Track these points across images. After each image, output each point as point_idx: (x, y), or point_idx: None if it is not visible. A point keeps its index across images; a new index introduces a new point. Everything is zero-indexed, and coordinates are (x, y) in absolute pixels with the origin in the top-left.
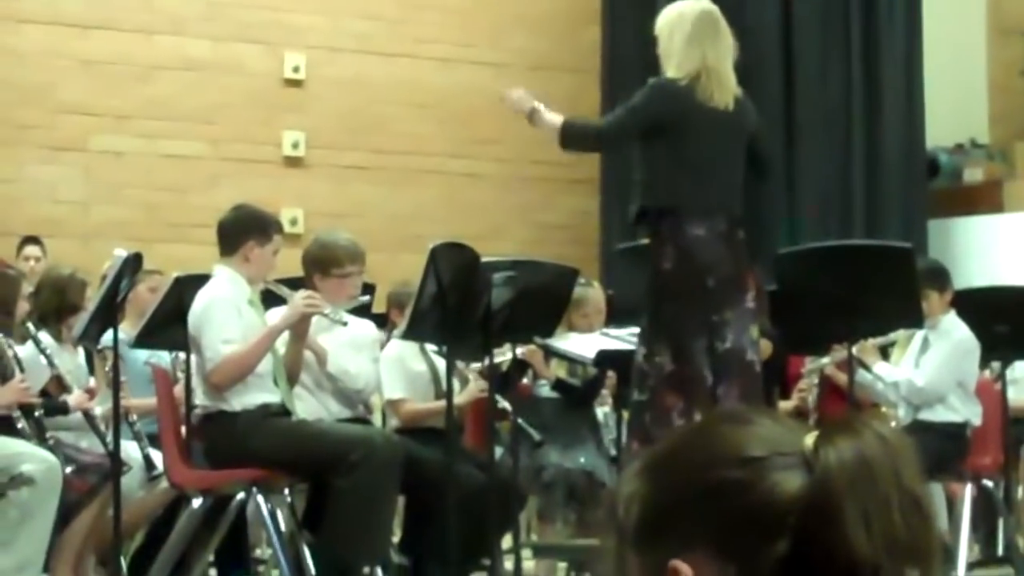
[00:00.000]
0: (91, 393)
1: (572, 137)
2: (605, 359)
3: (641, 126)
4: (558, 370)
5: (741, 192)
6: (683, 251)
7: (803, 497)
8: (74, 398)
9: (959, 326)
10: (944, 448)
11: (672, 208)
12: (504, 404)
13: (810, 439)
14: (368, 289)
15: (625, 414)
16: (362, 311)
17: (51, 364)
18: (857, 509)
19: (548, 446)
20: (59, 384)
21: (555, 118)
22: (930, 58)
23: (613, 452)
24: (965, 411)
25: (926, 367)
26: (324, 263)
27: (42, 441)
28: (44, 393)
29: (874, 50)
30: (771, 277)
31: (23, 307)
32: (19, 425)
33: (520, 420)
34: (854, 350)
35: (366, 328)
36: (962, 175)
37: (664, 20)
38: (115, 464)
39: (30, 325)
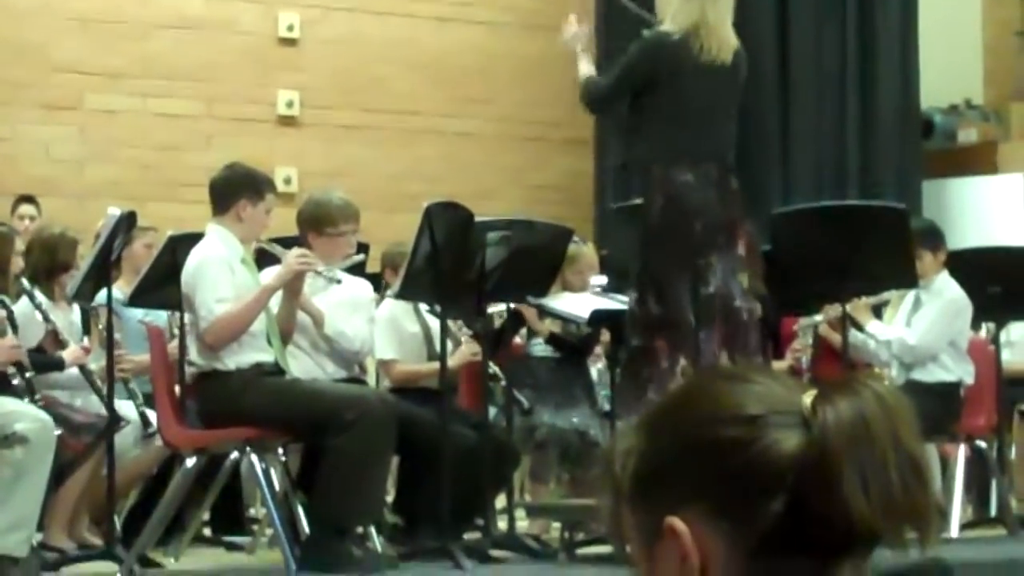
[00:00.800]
0: (86, 351)
1: (586, 95)
2: (599, 318)
3: (635, 84)
4: (552, 327)
5: (733, 142)
6: (671, 196)
7: (801, 456)
8: (69, 353)
9: (951, 286)
10: (937, 408)
11: (660, 157)
12: (495, 370)
13: (808, 398)
14: (362, 248)
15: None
16: (356, 270)
17: (46, 319)
18: (855, 469)
19: (541, 406)
20: (55, 340)
21: (586, 69)
22: (924, 19)
23: (607, 409)
24: (957, 370)
25: (918, 326)
26: (318, 222)
27: (32, 401)
28: (40, 349)
29: (869, 10)
30: (766, 237)
31: (17, 264)
32: (14, 382)
33: (512, 388)
34: (847, 308)
35: (362, 288)
36: (956, 136)
37: None
38: (110, 422)
39: (24, 281)
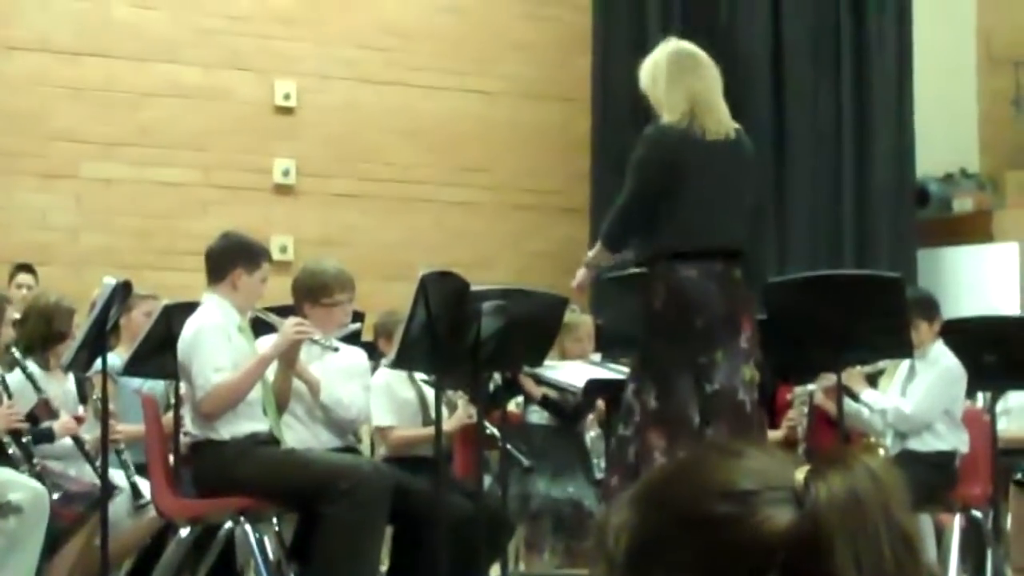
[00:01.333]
0: (79, 420)
1: (613, 239)
2: (594, 388)
3: (656, 177)
4: (547, 392)
5: (745, 225)
6: (673, 291)
7: (793, 532)
8: (60, 424)
9: (946, 355)
10: (932, 478)
11: (665, 253)
12: (492, 430)
13: (800, 473)
14: (357, 317)
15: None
16: (351, 339)
17: (37, 389)
18: (847, 545)
19: (536, 475)
20: (47, 409)
21: (596, 250)
22: (920, 87)
23: (601, 478)
24: (953, 439)
25: (913, 395)
26: (314, 291)
27: (30, 467)
28: (32, 419)
29: (865, 78)
30: (760, 306)
31: (8, 333)
32: (9, 451)
33: (509, 446)
34: (842, 378)
35: (357, 356)
36: (952, 204)
37: (644, 73)
38: (104, 491)
39: (15, 351)
